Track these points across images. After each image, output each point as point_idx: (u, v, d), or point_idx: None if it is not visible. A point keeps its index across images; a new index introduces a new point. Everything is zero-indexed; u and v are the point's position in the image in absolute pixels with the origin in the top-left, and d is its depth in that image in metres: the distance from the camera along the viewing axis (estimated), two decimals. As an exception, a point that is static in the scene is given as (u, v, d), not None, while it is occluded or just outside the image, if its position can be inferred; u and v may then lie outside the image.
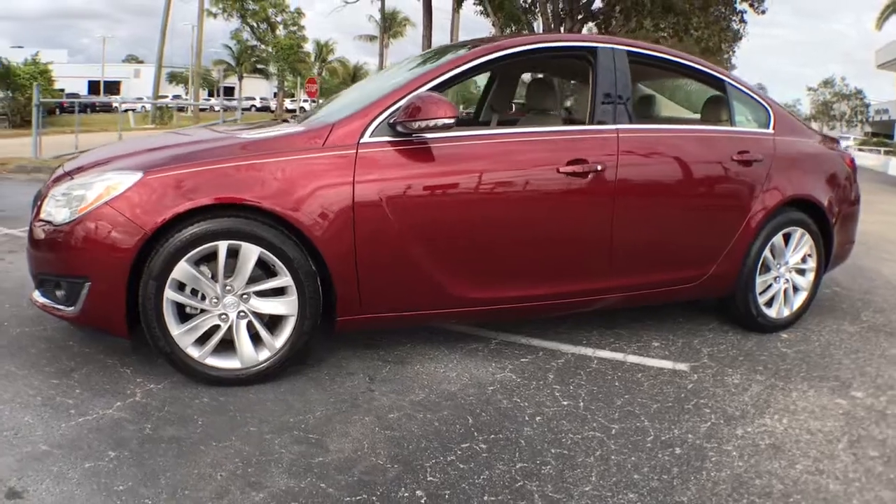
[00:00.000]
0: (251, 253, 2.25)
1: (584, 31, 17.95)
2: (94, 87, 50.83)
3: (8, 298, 3.20)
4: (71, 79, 41.35)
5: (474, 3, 18.72)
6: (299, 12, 34.61)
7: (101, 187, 2.21)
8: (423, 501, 1.77)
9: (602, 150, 2.70)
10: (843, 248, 3.56)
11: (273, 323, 2.38)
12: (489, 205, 2.53)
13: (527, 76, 4.34)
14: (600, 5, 17.61)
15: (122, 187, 2.18)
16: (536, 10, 17.52)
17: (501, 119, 3.84)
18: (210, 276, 2.27)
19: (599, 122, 2.78)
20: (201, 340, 2.31)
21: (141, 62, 58.45)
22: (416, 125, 2.33)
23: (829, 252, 3.39)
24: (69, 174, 2.39)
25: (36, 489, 1.72)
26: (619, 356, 2.89)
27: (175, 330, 2.25)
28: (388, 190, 2.36)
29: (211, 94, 41.33)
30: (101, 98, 38.98)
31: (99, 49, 55.58)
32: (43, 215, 2.29)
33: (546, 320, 3.24)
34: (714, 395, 2.54)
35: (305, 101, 36.62)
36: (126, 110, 25.85)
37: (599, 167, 2.67)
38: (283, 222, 2.25)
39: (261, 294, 2.33)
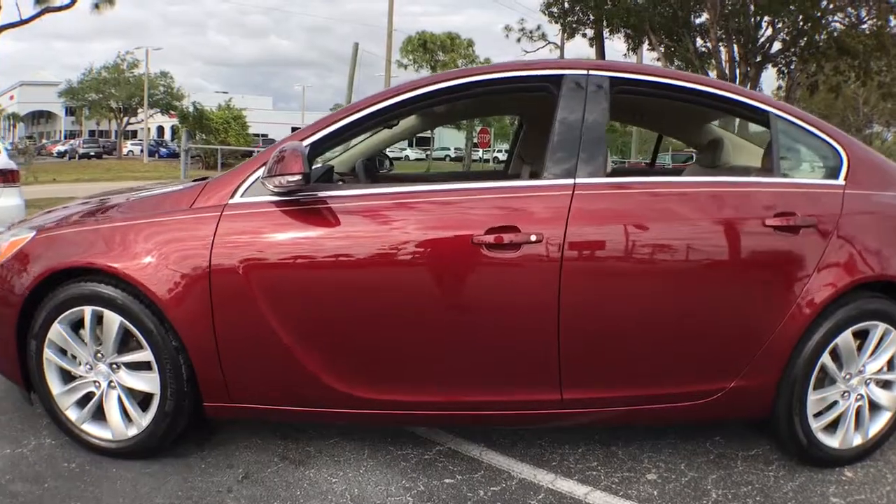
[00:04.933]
0: (113, 321, 2.23)
1: (763, 76, 16.48)
2: (296, 132, 57.05)
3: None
4: (275, 125, 47.29)
5: (648, 50, 17.73)
6: (489, 63, 36.02)
7: (6, 243, 2.37)
8: None
9: (543, 214, 2.17)
10: None
11: (146, 399, 2.29)
12: (380, 282, 2.18)
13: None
14: (779, 46, 15.66)
15: (21, 244, 2.32)
16: (710, 59, 16.16)
17: (534, 171, 3.39)
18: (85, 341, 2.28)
19: (553, 175, 2.25)
20: (81, 404, 2.33)
21: (347, 110, 65.73)
22: (268, 184, 2.11)
23: None
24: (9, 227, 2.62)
25: None
26: (582, 490, 2.27)
27: (56, 389, 2.32)
28: (253, 258, 2.16)
29: (410, 145, 44.91)
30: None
31: (310, 96, 62.00)
32: None
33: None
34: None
35: (499, 150, 37.60)
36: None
37: (535, 237, 2.13)
38: (138, 291, 2.16)
39: (131, 366, 2.28)
